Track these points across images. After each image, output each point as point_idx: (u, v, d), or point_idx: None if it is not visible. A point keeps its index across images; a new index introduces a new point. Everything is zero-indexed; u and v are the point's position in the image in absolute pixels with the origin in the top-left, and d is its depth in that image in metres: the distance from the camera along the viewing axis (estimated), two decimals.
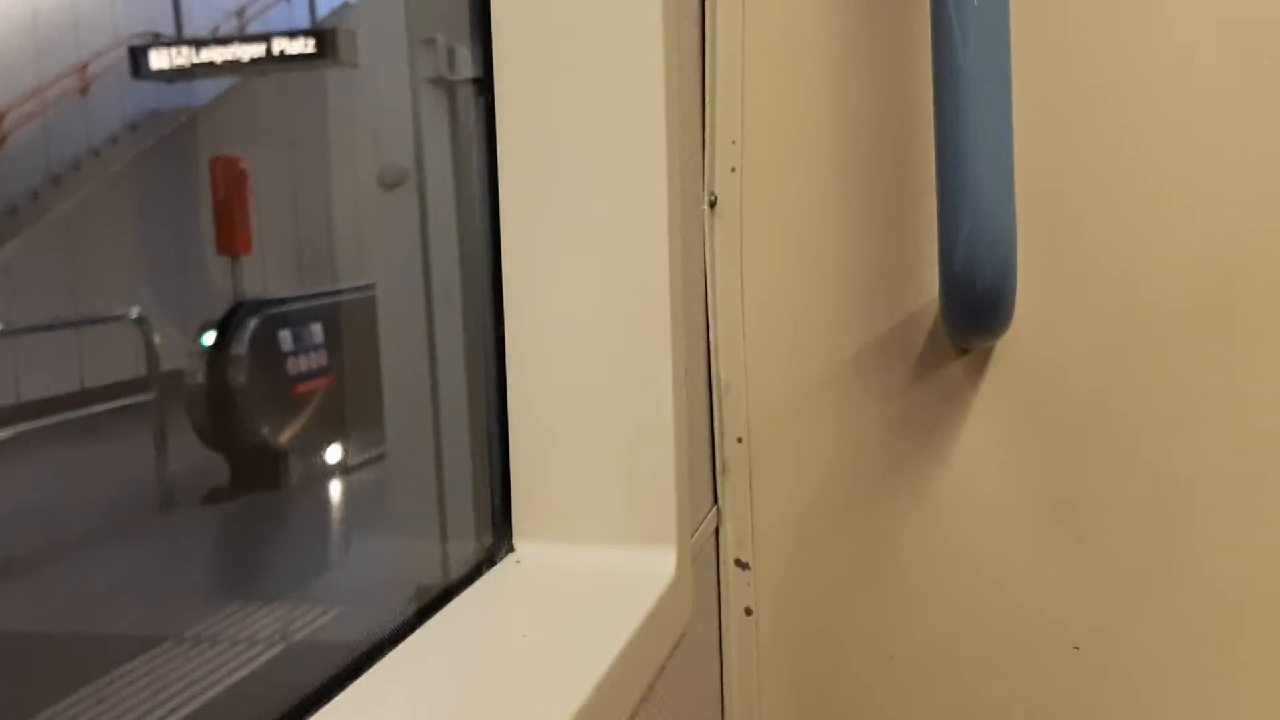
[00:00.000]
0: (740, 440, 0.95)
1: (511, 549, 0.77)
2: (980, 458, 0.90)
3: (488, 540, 0.77)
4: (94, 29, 7.26)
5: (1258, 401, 0.84)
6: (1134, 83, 0.86)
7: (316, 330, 4.72)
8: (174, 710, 2.20)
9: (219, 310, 4.77)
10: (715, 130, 0.93)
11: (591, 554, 0.76)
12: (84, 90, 7.31)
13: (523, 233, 0.78)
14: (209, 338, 4.55)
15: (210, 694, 2.24)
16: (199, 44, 6.97)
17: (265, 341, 4.54)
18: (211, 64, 6.90)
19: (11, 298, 6.31)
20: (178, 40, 7.20)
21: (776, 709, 0.95)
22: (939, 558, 0.91)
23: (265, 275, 7.02)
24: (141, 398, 4.77)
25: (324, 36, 6.83)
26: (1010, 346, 0.88)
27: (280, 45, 6.81)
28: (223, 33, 7.73)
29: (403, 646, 0.62)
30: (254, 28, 7.96)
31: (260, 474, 4.27)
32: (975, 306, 0.79)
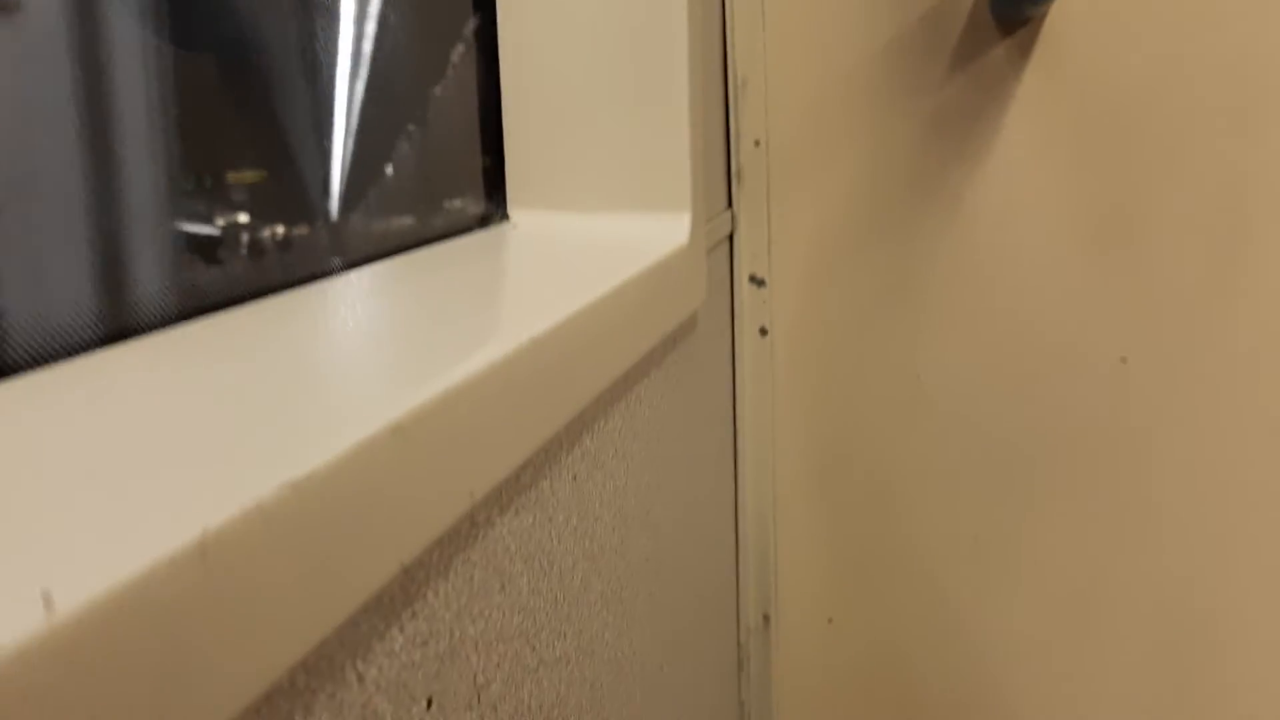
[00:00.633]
0: (758, 144, 0.86)
1: (506, 216, 0.69)
2: (1023, 159, 0.82)
3: (475, 207, 0.68)
4: None
5: None
6: None
7: None
8: None
9: None
10: None
11: (596, 220, 0.68)
12: None
13: None
14: None
15: None
16: None
17: None
18: None
19: None
20: None
21: (792, 433, 0.89)
22: (975, 270, 0.84)
23: None
24: None
25: None
26: (1058, 26, 0.79)
27: None
28: None
29: (381, 262, 0.54)
30: None
31: None
32: None
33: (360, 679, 0.31)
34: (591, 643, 0.52)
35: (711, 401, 0.81)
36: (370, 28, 0.63)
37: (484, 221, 0.68)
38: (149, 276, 0.43)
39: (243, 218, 0.48)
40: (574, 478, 0.49)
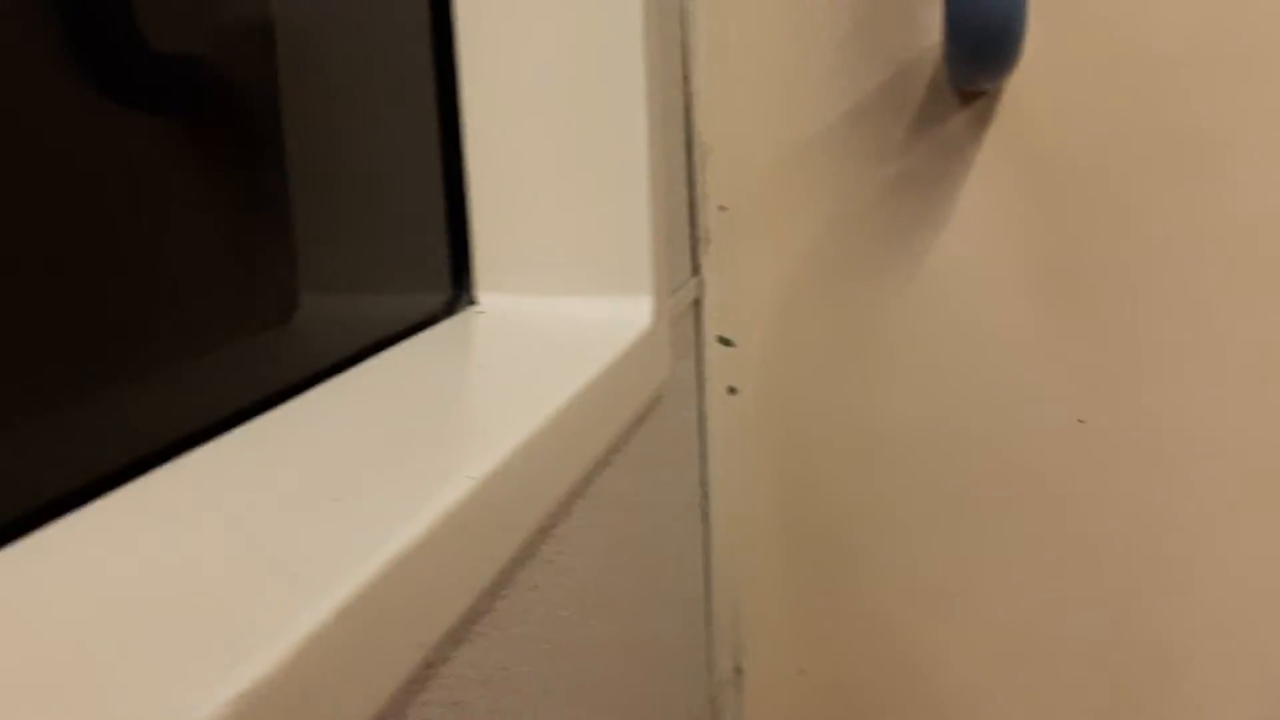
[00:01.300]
0: (723, 208, 0.87)
1: (473, 301, 0.71)
2: (981, 222, 0.83)
3: (444, 292, 0.70)
4: None
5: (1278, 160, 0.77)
6: None
7: None
8: None
9: None
10: None
11: (561, 303, 0.69)
12: None
13: None
14: None
15: None
16: None
17: None
18: None
19: None
20: None
21: (761, 489, 0.91)
22: (935, 330, 0.85)
23: None
24: None
25: None
26: (1017, 93, 0.80)
27: None
28: None
29: (339, 377, 0.55)
30: None
31: None
32: (985, 29, 0.71)
33: None
34: None
35: (678, 464, 0.83)
36: (334, 114, 0.64)
37: (452, 307, 0.70)
38: None
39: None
40: (534, 588, 0.51)
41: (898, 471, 0.88)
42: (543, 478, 0.49)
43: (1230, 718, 0.84)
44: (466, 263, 0.71)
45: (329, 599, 0.32)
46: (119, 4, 0.48)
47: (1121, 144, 0.80)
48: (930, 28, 0.81)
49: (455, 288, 0.71)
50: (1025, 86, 0.80)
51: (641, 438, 0.71)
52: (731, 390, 0.90)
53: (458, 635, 0.42)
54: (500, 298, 0.71)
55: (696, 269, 0.88)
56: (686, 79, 0.85)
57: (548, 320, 0.68)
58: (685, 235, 0.85)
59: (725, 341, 0.89)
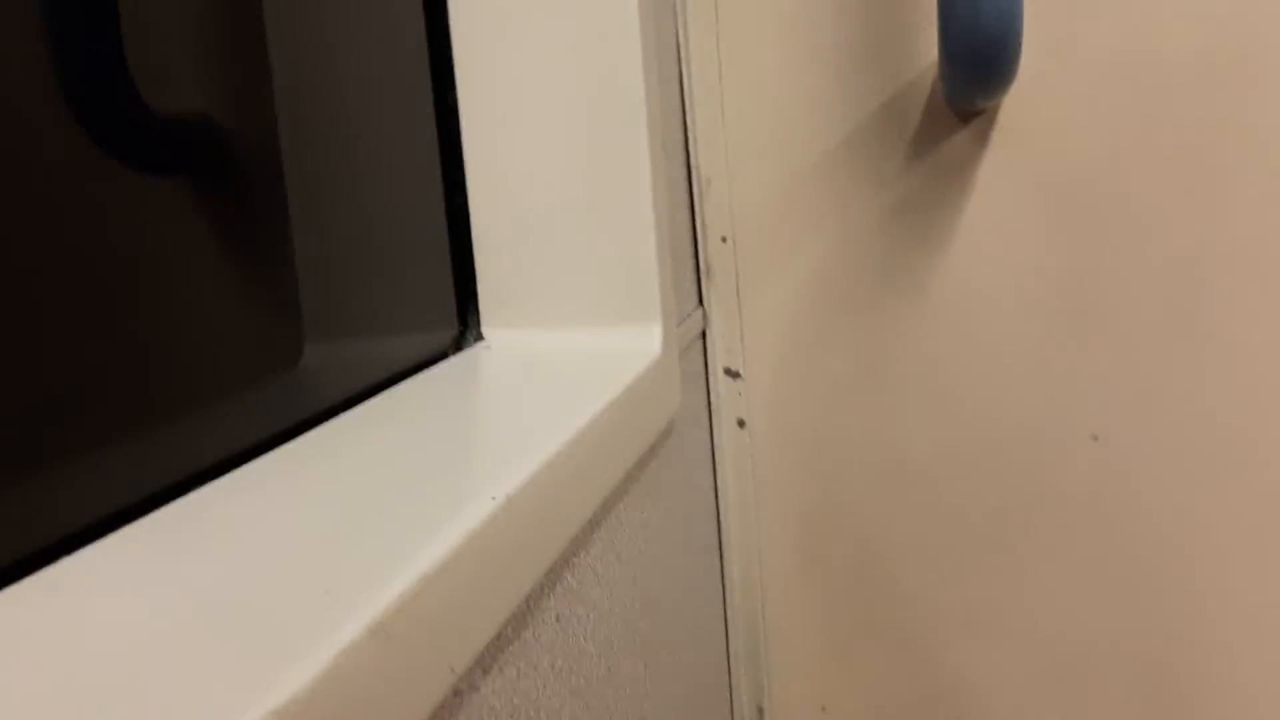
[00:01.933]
0: (725, 240, 0.87)
1: (480, 336, 0.70)
2: (985, 242, 0.83)
3: (450, 329, 0.69)
4: None
5: None
6: None
7: None
8: None
9: None
10: None
11: (569, 335, 0.69)
12: None
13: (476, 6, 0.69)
14: None
15: None
16: None
17: None
18: None
19: None
20: None
21: (777, 523, 0.89)
22: (944, 354, 0.85)
23: None
24: None
25: None
26: (1017, 108, 0.80)
27: None
28: None
29: (350, 412, 0.54)
30: None
31: None
32: (981, 45, 0.71)
33: None
34: None
35: (693, 498, 0.81)
36: (335, 159, 0.64)
37: (459, 344, 0.69)
38: None
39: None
40: (557, 618, 0.49)
41: (914, 499, 0.87)
42: (564, 502, 0.48)
43: None
44: (472, 299, 0.70)
45: (361, 618, 0.30)
46: (119, 65, 0.48)
47: (1124, 157, 0.80)
48: (925, 49, 0.81)
49: (461, 324, 0.70)
50: (1023, 103, 0.80)
51: (656, 469, 0.69)
52: (741, 423, 0.88)
53: (486, 663, 0.41)
54: (507, 332, 0.70)
55: (701, 301, 0.87)
56: (685, 110, 0.85)
57: (556, 352, 0.67)
58: (689, 267, 0.85)
59: (732, 374, 0.88)
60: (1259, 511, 0.80)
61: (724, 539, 0.89)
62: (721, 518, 0.89)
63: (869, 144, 0.84)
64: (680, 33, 0.84)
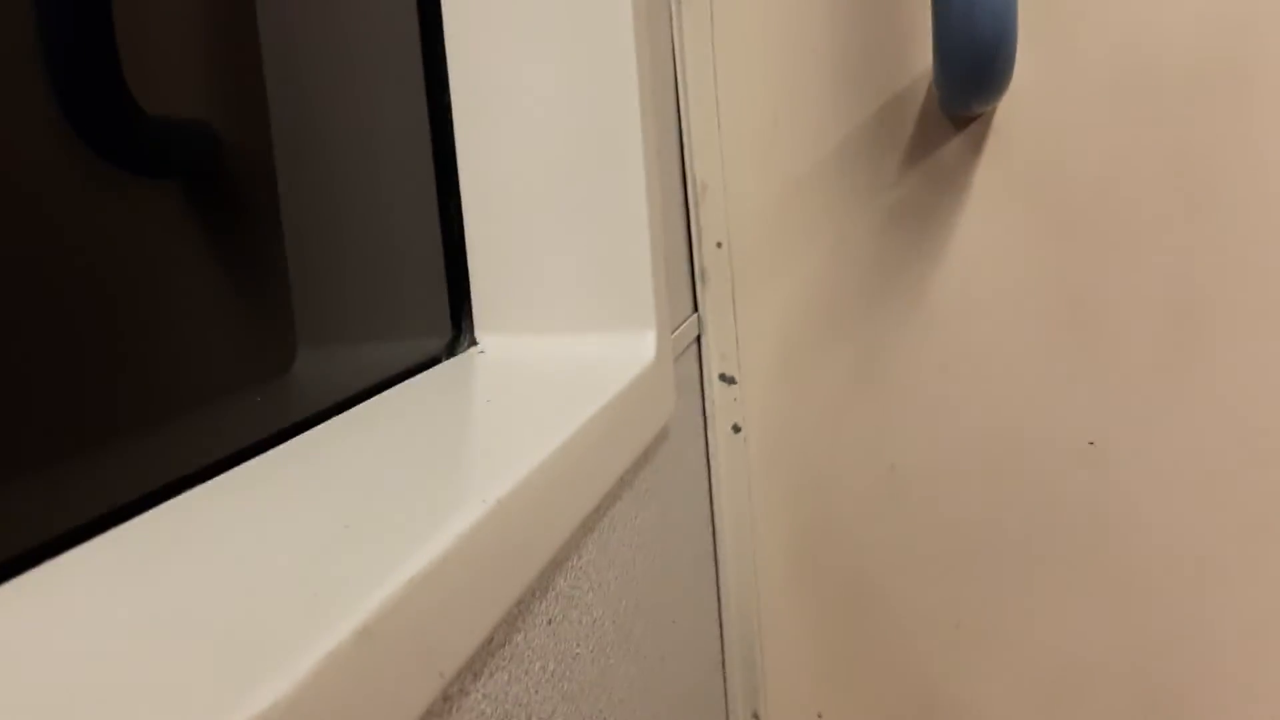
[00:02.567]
0: (720, 245, 0.87)
1: (474, 342, 0.70)
2: (981, 249, 0.83)
3: (444, 334, 0.69)
4: None
5: None
6: None
7: None
8: None
9: None
10: None
11: (563, 341, 0.69)
12: None
13: (470, 12, 0.69)
14: None
15: None
16: None
17: None
18: None
19: None
20: None
21: (772, 529, 0.89)
22: (939, 360, 0.85)
23: None
24: None
25: None
26: (1009, 117, 0.81)
27: None
28: None
29: (342, 416, 0.54)
30: None
31: None
32: (975, 50, 0.71)
33: None
34: None
35: (688, 504, 0.81)
36: (329, 164, 0.64)
37: (453, 349, 0.69)
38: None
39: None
40: (549, 622, 0.49)
41: (910, 505, 0.87)
42: (556, 506, 0.48)
43: None
44: (466, 304, 0.70)
45: (347, 621, 0.30)
46: (113, 68, 0.48)
47: (1119, 163, 0.80)
48: (920, 55, 0.81)
49: (455, 330, 0.70)
50: (1018, 109, 0.81)
51: (649, 474, 0.69)
52: (736, 428, 0.88)
53: (476, 667, 0.41)
54: (501, 338, 0.70)
55: (696, 306, 0.87)
56: (681, 117, 0.85)
57: (550, 358, 0.67)
58: (684, 273, 0.85)
59: (727, 379, 0.88)
60: (1255, 520, 0.80)
61: (718, 544, 0.89)
62: (716, 523, 0.89)
63: (864, 150, 0.84)
64: (676, 39, 0.84)
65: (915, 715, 0.90)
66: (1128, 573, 0.83)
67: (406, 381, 0.62)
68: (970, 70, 0.74)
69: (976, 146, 0.82)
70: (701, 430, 0.87)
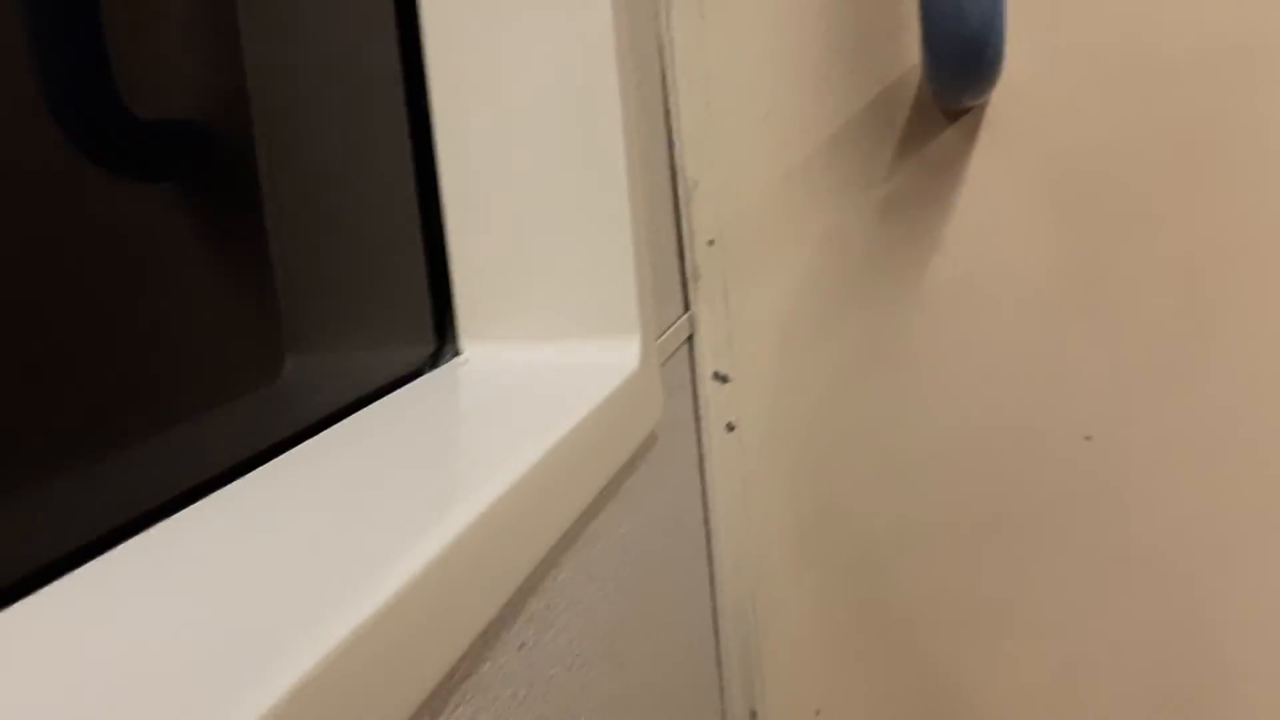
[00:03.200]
0: (711, 243, 0.86)
1: (458, 352, 0.69)
2: (975, 240, 0.82)
3: (427, 344, 0.69)
4: None
5: None
6: None
7: None
8: None
9: None
10: None
11: (547, 349, 0.68)
12: None
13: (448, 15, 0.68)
14: None
15: None
16: None
17: None
18: None
19: None
20: None
21: (767, 526, 0.89)
22: (936, 353, 0.84)
23: None
24: None
25: None
26: (1004, 105, 0.79)
27: None
28: None
29: (324, 434, 0.54)
30: None
31: None
32: (963, 44, 0.69)
33: None
34: None
35: (679, 505, 0.81)
36: (311, 176, 0.64)
37: (436, 359, 0.68)
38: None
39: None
40: (520, 646, 0.49)
41: (908, 499, 0.86)
42: (525, 531, 0.48)
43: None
44: (449, 314, 0.70)
45: (280, 681, 0.30)
46: (98, 73, 0.47)
47: (1114, 151, 0.78)
48: (911, 48, 0.80)
49: (439, 339, 0.69)
50: (1011, 99, 0.79)
51: (636, 481, 0.69)
52: (730, 427, 0.88)
53: (435, 707, 0.41)
54: (485, 347, 0.69)
55: (687, 306, 0.86)
56: (668, 113, 0.84)
57: (533, 367, 0.66)
58: (675, 272, 0.84)
59: (721, 378, 0.87)
60: (1254, 509, 0.79)
61: (712, 544, 0.89)
62: (710, 522, 0.88)
63: (857, 143, 0.83)
64: (664, 34, 0.83)
65: (916, 709, 0.89)
66: (1127, 563, 0.82)
67: (389, 396, 0.61)
68: (959, 64, 0.72)
69: (970, 137, 0.80)
70: (695, 430, 0.87)
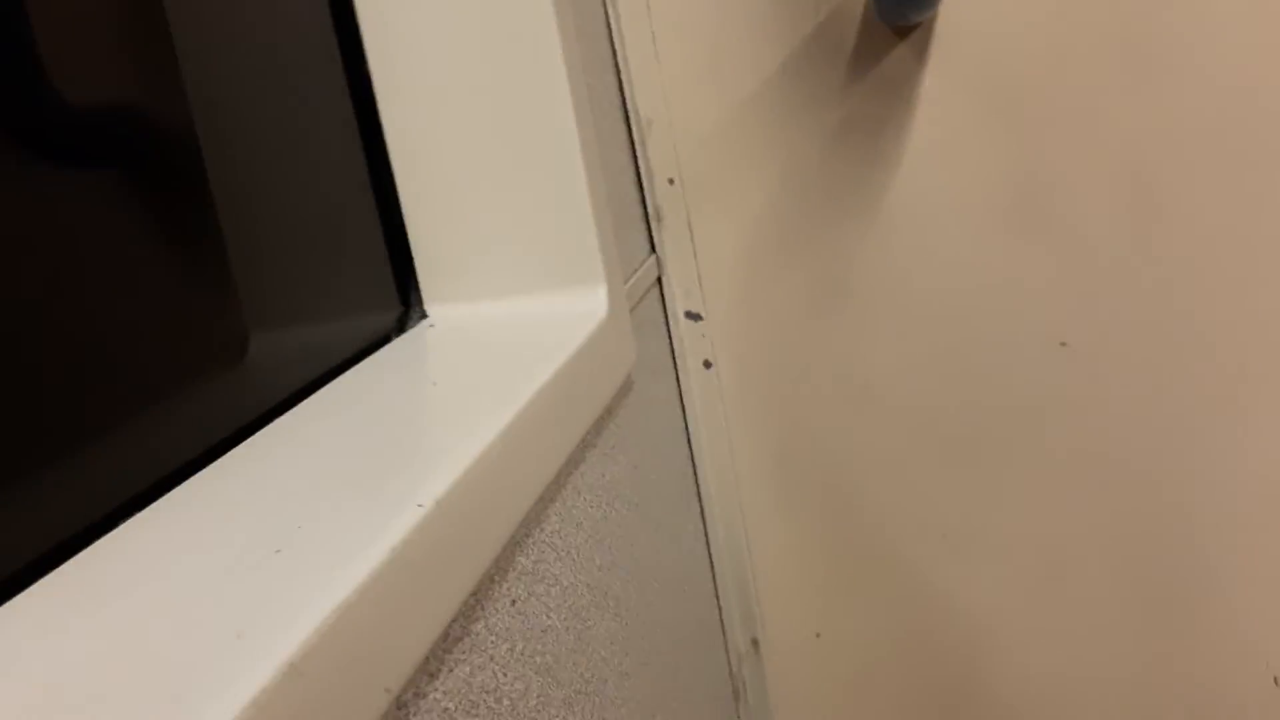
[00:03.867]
0: (671, 181, 0.86)
1: (424, 315, 0.69)
2: (934, 155, 0.81)
3: (393, 310, 0.68)
4: None
5: (1230, 49, 0.75)
6: None
7: None
8: None
9: None
10: None
11: (513, 305, 0.68)
12: None
13: None
14: None
15: None
16: None
17: None
18: None
19: None
20: None
21: (752, 458, 0.89)
22: (903, 271, 0.84)
23: None
24: None
25: None
26: (950, 21, 0.78)
27: None
28: None
29: (293, 411, 0.54)
30: None
31: None
32: None
33: None
34: None
35: (663, 446, 0.81)
36: (255, 149, 0.63)
37: (403, 324, 0.68)
38: None
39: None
40: (512, 603, 0.50)
41: (889, 419, 0.87)
42: (506, 489, 0.48)
43: (1261, 622, 0.83)
44: (412, 277, 0.69)
45: (272, 660, 0.30)
46: (30, 61, 0.46)
47: (1064, 55, 0.78)
48: None
49: (404, 304, 0.69)
50: (959, 12, 0.78)
51: (615, 428, 0.69)
52: (707, 364, 0.88)
53: (432, 668, 0.41)
54: (451, 308, 0.69)
55: (654, 247, 0.86)
56: (616, 52, 0.83)
57: (501, 324, 0.66)
58: (638, 214, 0.84)
59: (693, 316, 0.87)
60: (1230, 407, 0.80)
61: (700, 480, 0.90)
62: (696, 459, 0.89)
63: (808, 67, 0.82)
64: None
65: (911, 623, 0.91)
66: (1107, 468, 0.83)
67: (359, 364, 0.61)
68: None
69: (921, 53, 0.80)
70: (672, 370, 0.87)
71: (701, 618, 0.86)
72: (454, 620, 0.43)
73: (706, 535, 0.90)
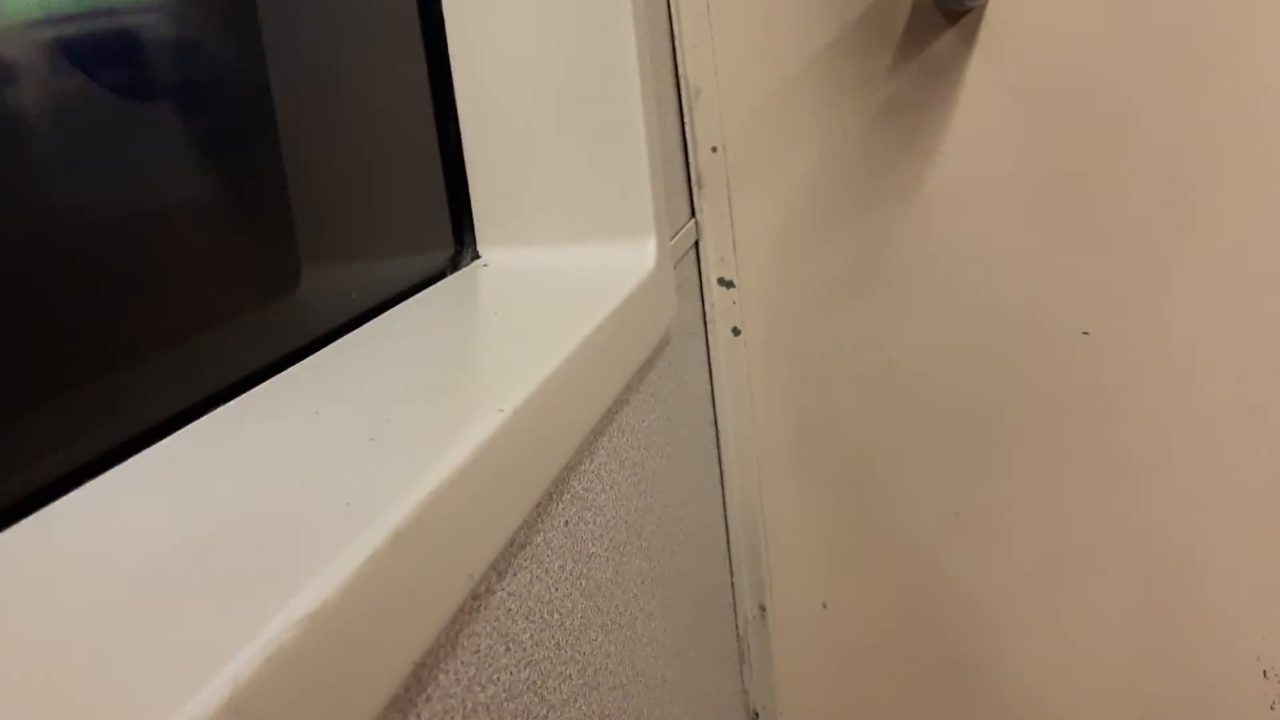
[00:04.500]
0: (715, 150, 0.87)
1: (477, 255, 0.71)
2: (974, 141, 0.83)
3: (447, 249, 0.70)
4: None
5: (1275, 55, 0.77)
6: None
7: None
8: None
9: None
10: None
11: (565, 251, 0.70)
12: None
13: None
14: None
15: None
16: None
17: None
18: None
19: None
20: None
21: (773, 428, 0.91)
22: (935, 254, 0.86)
23: None
24: None
25: None
26: (1001, 10, 0.80)
27: None
28: None
29: (351, 334, 0.56)
30: None
31: None
32: None
33: None
34: (596, 675, 0.54)
35: (691, 406, 0.83)
36: (324, 82, 0.64)
37: (456, 263, 0.70)
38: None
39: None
40: (565, 523, 0.51)
41: (908, 398, 0.89)
42: (568, 413, 0.50)
43: (1254, 616, 0.86)
44: (468, 218, 0.71)
45: (381, 527, 0.32)
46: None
47: (1112, 52, 0.80)
48: None
49: (458, 244, 0.71)
50: (1009, 1, 0.80)
51: (654, 379, 0.71)
52: (736, 331, 0.90)
53: (501, 568, 0.43)
54: (504, 251, 0.71)
55: (693, 212, 0.88)
56: (672, 20, 0.84)
57: (553, 269, 0.68)
58: (680, 179, 0.85)
59: (726, 283, 0.89)
60: (1250, 402, 0.82)
61: (722, 445, 0.92)
62: (719, 424, 0.91)
63: (856, 47, 0.84)
64: None
65: (916, 601, 0.93)
66: (1124, 458, 0.85)
67: (413, 297, 0.63)
68: None
69: (969, 39, 0.82)
70: (702, 334, 0.89)
71: (714, 579, 0.88)
72: (520, 527, 0.45)
73: (724, 499, 0.92)
